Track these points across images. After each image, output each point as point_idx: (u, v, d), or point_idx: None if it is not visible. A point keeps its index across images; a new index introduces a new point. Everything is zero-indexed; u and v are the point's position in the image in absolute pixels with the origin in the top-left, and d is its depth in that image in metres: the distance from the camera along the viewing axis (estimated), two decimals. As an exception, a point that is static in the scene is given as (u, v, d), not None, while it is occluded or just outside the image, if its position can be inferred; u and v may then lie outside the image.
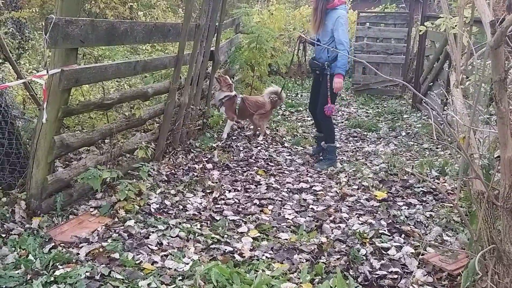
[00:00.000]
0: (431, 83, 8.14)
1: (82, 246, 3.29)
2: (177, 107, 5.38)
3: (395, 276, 3.14)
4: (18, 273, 2.87)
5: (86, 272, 2.96)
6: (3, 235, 3.26)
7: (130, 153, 4.64)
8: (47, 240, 3.32)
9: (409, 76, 10.73)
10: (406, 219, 4.03)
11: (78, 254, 3.20)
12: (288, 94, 10.27)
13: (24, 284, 2.79)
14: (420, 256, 3.29)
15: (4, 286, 2.73)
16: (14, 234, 3.31)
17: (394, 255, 3.43)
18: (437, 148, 6.41)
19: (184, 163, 5.32)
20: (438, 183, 4.86)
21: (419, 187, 4.82)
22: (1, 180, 3.67)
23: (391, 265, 3.28)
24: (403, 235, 3.72)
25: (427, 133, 7.19)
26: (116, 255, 3.23)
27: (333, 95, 5.43)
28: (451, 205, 4.18)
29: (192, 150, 5.78)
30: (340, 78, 5.29)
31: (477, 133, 2.89)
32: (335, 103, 5.80)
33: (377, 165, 5.63)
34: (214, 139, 6.22)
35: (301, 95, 10.13)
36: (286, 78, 10.14)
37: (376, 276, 3.14)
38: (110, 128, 4.17)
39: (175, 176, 4.92)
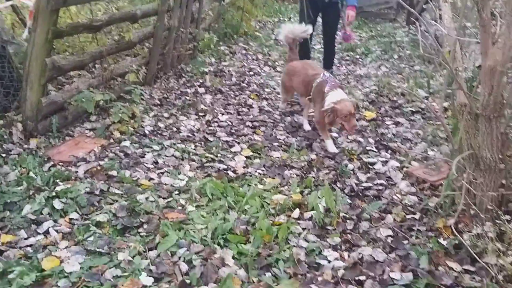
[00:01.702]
0: (425, 4, 7.99)
1: (80, 165, 3.41)
2: (167, 30, 5.32)
3: (380, 188, 3.32)
4: (20, 189, 3.00)
5: (86, 188, 3.10)
6: (3, 155, 3.36)
7: (121, 77, 4.66)
8: (45, 159, 3.44)
9: (403, -2, 10.48)
10: (393, 136, 4.17)
11: (76, 172, 3.32)
12: (281, 19, 10.08)
13: (27, 198, 2.93)
14: (405, 169, 3.45)
15: (9, 201, 2.86)
16: (14, 154, 3.42)
17: (380, 169, 3.59)
18: (427, 70, 6.42)
19: (176, 87, 5.35)
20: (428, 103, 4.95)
21: (407, 107, 4.92)
22: (-4, 104, 3.72)
23: (376, 177, 3.45)
24: (389, 151, 3.87)
25: (418, 56, 7.18)
26: (114, 173, 3.36)
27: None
28: (438, 122, 4.30)
29: (183, 74, 5.79)
30: (354, 10, 5.23)
31: (464, 48, 2.93)
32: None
33: (368, 87, 5.69)
34: (206, 64, 6.20)
35: (293, 19, 9.93)
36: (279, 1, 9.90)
37: (362, 187, 3.31)
38: (100, 51, 4.16)
39: (168, 100, 4.97)
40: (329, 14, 5.40)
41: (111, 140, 3.86)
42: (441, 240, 2.62)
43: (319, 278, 2.40)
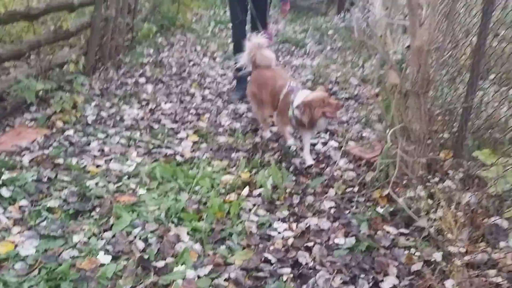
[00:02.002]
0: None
1: (24, 154, 3.35)
2: (104, 20, 5.25)
3: (322, 165, 3.55)
4: None
5: (33, 176, 3.06)
6: None
7: (60, 67, 4.56)
8: (-13, 150, 3.34)
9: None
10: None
11: (21, 161, 3.26)
12: (216, 12, 10.18)
13: (-28, 188, 2.85)
14: (343, 149, 3.70)
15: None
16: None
17: (320, 149, 3.83)
18: (358, 59, 6.80)
19: (116, 78, 5.31)
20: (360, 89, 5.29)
21: (342, 94, 5.22)
22: None
23: (318, 157, 3.68)
24: (328, 133, 4.11)
25: (349, 47, 7.59)
26: (60, 161, 3.34)
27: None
28: (370, 107, 4.63)
29: (122, 65, 5.74)
30: (288, 5, 5.28)
31: (393, 33, 3.21)
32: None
33: (305, 77, 5.94)
34: (144, 55, 6.18)
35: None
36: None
37: (305, 166, 3.52)
38: (38, 40, 4.06)
39: (108, 90, 4.93)
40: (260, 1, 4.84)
41: (54, 130, 3.81)
42: (378, 209, 2.89)
43: (271, 247, 2.57)
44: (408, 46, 2.65)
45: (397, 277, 2.33)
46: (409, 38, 2.47)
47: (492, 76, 3.10)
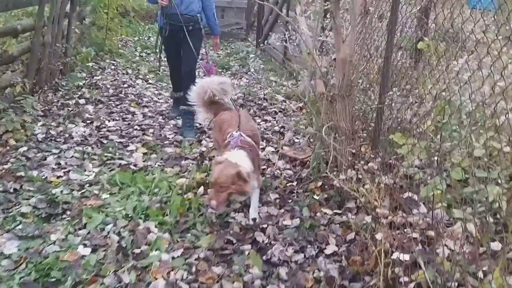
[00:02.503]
0: (273, 24, 9.19)
1: (-15, 169, 3.50)
2: (42, 45, 5.44)
3: (264, 167, 4.05)
4: None
5: (-1, 188, 3.25)
6: None
7: (2, 90, 4.69)
8: None
9: (251, 20, 11.74)
10: (265, 130, 4.98)
11: (-17, 176, 3.42)
12: (141, 38, 10.50)
13: None
14: (279, 152, 4.24)
15: None
16: None
17: (260, 154, 4.34)
18: (281, 80, 7.50)
19: (56, 100, 5.49)
20: (286, 104, 5.93)
21: (271, 109, 5.82)
22: None
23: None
24: (265, 141, 4.64)
25: (271, 69, 8.30)
26: (21, 174, 3.54)
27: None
28: (297, 119, 5.26)
29: (60, 88, 5.91)
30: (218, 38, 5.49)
31: (318, 50, 3.85)
32: None
33: (236, 95, 6.48)
34: (80, 78, 6.38)
35: (153, 38, 10.43)
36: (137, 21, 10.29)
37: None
38: (-16, 63, 4.21)
39: (51, 111, 5.11)
40: (192, 41, 4.80)
41: (7, 148, 3.96)
42: (315, 196, 3.44)
43: (231, 231, 3.01)
44: (334, 59, 3.27)
45: (336, 245, 2.87)
46: (334, 53, 3.08)
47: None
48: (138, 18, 11.13)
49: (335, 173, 3.25)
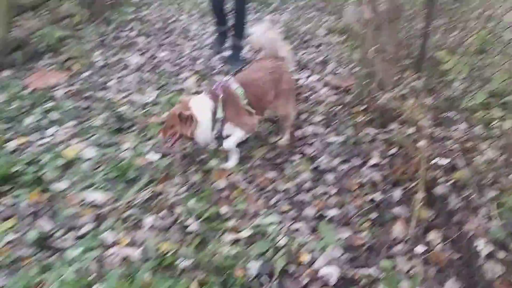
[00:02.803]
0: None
1: (57, 89, 3.87)
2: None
3: (308, 93, 4.28)
4: (15, 106, 3.43)
5: (70, 105, 3.62)
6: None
7: (61, 20, 5.00)
8: (23, 86, 3.83)
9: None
10: (308, 61, 5.16)
11: (55, 95, 3.79)
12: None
13: (26, 113, 3.39)
14: (323, 80, 4.44)
15: (9, 115, 3.31)
16: (-7, 82, 3.77)
17: (304, 82, 4.56)
18: (321, 15, 7.54)
19: (108, 32, 5.77)
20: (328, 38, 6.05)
21: (313, 42, 5.95)
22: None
23: (304, 89, 4.41)
24: (309, 70, 4.84)
25: (313, 5, 8.31)
26: (88, 94, 3.89)
27: None
28: (340, 50, 5.40)
29: (111, 21, 6.18)
30: None
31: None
32: None
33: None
34: (129, 13, 6.63)
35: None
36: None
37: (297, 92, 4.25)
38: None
39: (105, 42, 5.41)
40: None
41: (72, 72, 4.31)
42: (358, 119, 3.67)
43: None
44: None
45: (379, 158, 3.13)
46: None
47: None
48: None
49: (379, 93, 3.45)
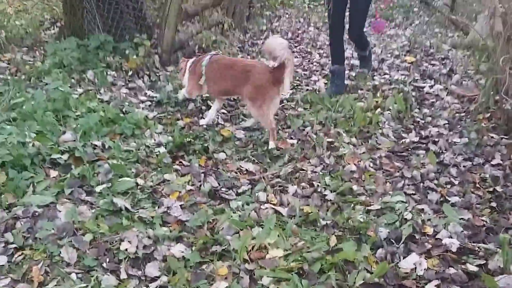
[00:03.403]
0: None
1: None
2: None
3: (432, 101, 4.54)
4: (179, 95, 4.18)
5: (223, 95, 4.29)
6: (157, 75, 4.55)
7: (213, 27, 5.80)
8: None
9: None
10: (432, 72, 5.39)
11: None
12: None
13: (188, 100, 4.12)
14: (448, 89, 4.67)
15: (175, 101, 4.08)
16: (161, 75, 4.60)
17: (428, 90, 4.82)
18: (446, 32, 7.65)
19: (246, 40, 6.52)
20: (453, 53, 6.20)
21: (437, 55, 6.15)
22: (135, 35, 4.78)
23: (428, 96, 4.67)
24: (432, 80, 5.09)
25: (436, 22, 8.42)
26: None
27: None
28: (461, 66, 5.55)
29: (247, 31, 6.94)
30: None
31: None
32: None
33: (401, 43, 6.89)
34: (263, 23, 7.37)
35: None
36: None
37: (421, 98, 4.54)
38: (206, 4, 5.30)
39: (244, 48, 6.15)
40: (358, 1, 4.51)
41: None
42: (482, 125, 3.87)
43: (405, 142, 3.64)
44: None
45: (501, 160, 3.33)
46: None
47: None
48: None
49: (506, 102, 3.63)
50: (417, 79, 5.13)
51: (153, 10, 5.71)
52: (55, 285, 2.08)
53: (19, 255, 2.23)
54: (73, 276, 2.13)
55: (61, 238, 2.34)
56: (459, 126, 3.93)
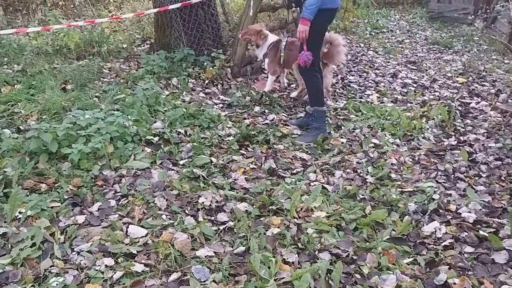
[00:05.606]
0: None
1: (274, 92, 5.29)
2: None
3: (476, 114, 4.94)
4: (246, 100, 4.88)
5: (282, 102, 4.96)
6: (229, 84, 5.32)
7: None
8: (250, 88, 5.35)
9: (479, 5, 11.89)
10: (480, 91, 5.77)
11: (272, 95, 5.20)
12: (369, 20, 11.79)
13: (252, 103, 4.82)
14: (492, 105, 5.06)
15: (243, 105, 4.78)
16: (232, 84, 5.36)
17: (474, 106, 5.22)
18: (503, 59, 7.92)
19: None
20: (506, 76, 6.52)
21: (489, 77, 6.49)
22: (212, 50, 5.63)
23: (473, 110, 5.08)
24: (479, 98, 5.47)
25: (494, 50, 8.68)
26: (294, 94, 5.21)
27: (312, 41, 3.94)
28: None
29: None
30: (304, 24, 3.79)
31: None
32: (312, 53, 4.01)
33: (456, 66, 7.28)
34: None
35: (381, 21, 11.60)
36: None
37: (466, 112, 4.96)
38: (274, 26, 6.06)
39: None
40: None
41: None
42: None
43: (445, 144, 4.10)
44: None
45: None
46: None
47: None
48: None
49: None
50: (465, 97, 5.54)
51: (228, 31, 6.56)
52: (151, 220, 2.78)
53: (124, 200, 2.98)
54: (164, 216, 2.83)
55: (154, 191, 3.06)
56: (496, 134, 4.32)
